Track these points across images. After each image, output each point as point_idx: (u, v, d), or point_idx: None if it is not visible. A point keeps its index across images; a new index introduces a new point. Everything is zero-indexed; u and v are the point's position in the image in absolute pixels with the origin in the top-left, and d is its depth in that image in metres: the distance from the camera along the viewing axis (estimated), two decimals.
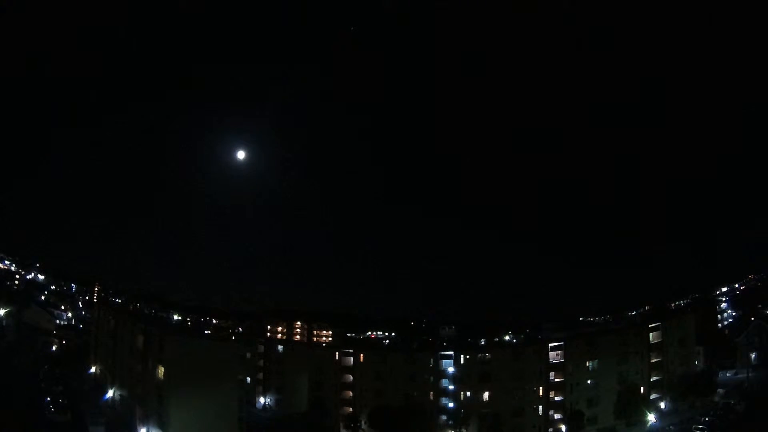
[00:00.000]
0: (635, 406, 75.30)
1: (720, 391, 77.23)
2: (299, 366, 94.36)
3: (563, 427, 77.01)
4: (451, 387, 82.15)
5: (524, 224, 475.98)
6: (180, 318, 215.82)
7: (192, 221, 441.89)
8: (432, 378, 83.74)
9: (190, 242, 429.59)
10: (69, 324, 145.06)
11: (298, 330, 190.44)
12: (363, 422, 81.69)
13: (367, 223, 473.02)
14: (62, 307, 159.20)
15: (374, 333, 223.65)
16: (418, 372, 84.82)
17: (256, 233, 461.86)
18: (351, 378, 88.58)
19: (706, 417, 65.59)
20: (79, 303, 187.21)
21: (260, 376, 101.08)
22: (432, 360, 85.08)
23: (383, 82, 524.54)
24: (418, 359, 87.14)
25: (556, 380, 79.42)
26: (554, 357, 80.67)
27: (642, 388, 79.35)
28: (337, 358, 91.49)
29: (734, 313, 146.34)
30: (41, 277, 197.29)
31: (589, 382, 79.22)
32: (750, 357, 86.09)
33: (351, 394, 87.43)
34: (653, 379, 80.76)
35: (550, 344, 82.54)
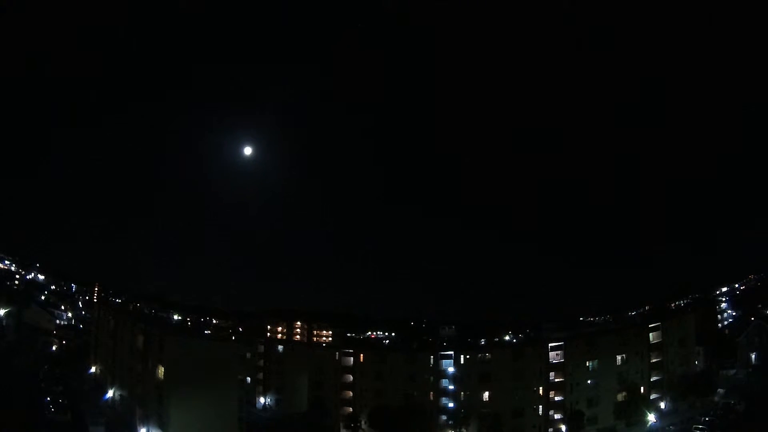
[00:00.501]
0: (635, 406, 75.30)
1: (720, 391, 77.15)
2: (299, 366, 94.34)
3: (563, 427, 76.98)
4: (451, 387, 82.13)
5: (524, 224, 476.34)
6: (180, 318, 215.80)
7: (192, 221, 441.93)
8: (432, 378, 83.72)
9: (191, 242, 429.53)
10: (69, 324, 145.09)
11: (298, 330, 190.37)
12: (363, 422, 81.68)
13: (367, 223, 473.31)
14: (62, 307, 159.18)
15: (374, 333, 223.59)
16: (418, 372, 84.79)
17: (256, 233, 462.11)
18: (351, 378, 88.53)
19: (706, 417, 65.57)
20: (79, 303, 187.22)
21: (260, 376, 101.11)
22: (432, 360, 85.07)
23: (384, 82, 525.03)
24: (418, 359, 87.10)
25: (556, 380, 79.36)
26: (554, 357, 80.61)
27: (642, 388, 79.33)
28: (337, 358, 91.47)
29: (734, 313, 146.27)
30: (41, 277, 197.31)
31: (589, 382, 79.16)
32: (750, 357, 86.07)
33: (351, 394, 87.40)
34: (653, 379, 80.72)
35: (550, 344, 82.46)
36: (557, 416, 78.33)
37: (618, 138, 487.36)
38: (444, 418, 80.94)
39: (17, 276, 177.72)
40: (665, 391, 79.96)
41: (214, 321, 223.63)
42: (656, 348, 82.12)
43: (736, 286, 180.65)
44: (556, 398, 78.77)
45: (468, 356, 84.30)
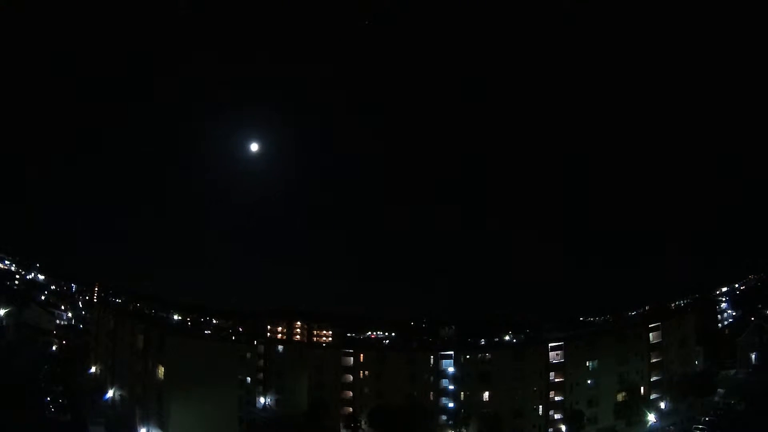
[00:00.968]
0: (635, 406, 75.28)
1: (720, 391, 77.17)
2: (299, 366, 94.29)
3: (563, 427, 76.96)
4: (451, 387, 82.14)
5: (524, 224, 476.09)
6: (180, 318, 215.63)
7: (192, 221, 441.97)
8: (432, 378, 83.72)
9: (191, 242, 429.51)
10: (69, 324, 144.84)
11: (298, 330, 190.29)
12: (363, 422, 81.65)
13: (367, 223, 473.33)
14: (62, 307, 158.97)
15: (374, 333, 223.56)
16: (418, 372, 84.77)
17: (256, 234, 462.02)
18: (351, 378, 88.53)
19: (706, 417, 65.61)
20: (79, 303, 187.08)
21: (260, 376, 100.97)
22: (432, 360, 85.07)
23: (391, 83, 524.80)
24: (418, 359, 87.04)
25: (556, 380, 79.40)
26: (554, 357, 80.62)
27: (642, 388, 79.33)
28: (337, 358, 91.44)
29: (734, 313, 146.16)
30: (41, 277, 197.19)
31: (589, 382, 79.19)
32: (750, 357, 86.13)
33: (351, 394, 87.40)
34: (653, 379, 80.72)
35: (550, 344, 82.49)
36: (557, 416, 78.32)
37: (618, 138, 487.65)
38: (444, 418, 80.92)
39: (17, 276, 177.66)
40: (665, 391, 79.96)
41: (214, 321, 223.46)
42: (656, 348, 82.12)
43: (736, 286, 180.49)
44: (556, 398, 78.77)
45: (468, 356, 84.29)
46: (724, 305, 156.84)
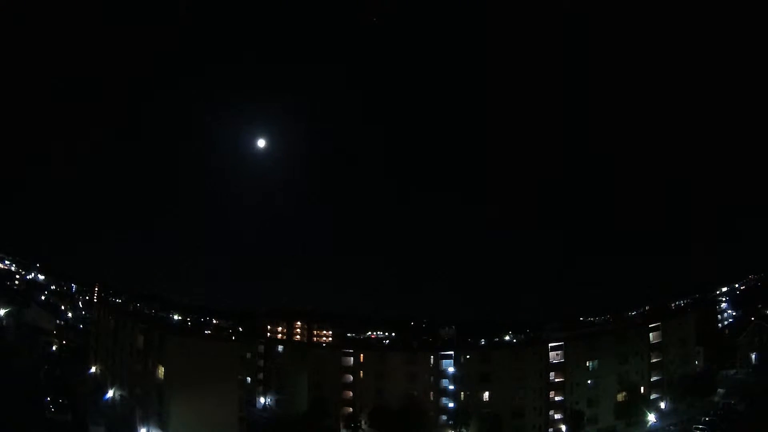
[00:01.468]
0: (635, 406, 75.28)
1: (720, 391, 77.19)
2: (299, 366, 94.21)
3: (563, 427, 76.98)
4: (451, 387, 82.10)
5: (524, 224, 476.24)
6: (180, 318, 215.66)
7: (192, 221, 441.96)
8: (432, 378, 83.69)
9: (191, 242, 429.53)
10: (69, 324, 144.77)
11: (298, 330, 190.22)
12: (363, 422, 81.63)
13: (367, 222, 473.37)
14: (62, 307, 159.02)
15: (374, 333, 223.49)
16: (418, 372, 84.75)
17: (256, 234, 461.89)
18: (351, 378, 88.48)
19: (706, 417, 65.59)
20: (79, 303, 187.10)
21: (260, 376, 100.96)
22: (432, 360, 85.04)
23: (397, 81, 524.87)
24: (418, 359, 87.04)
25: (556, 380, 79.40)
26: (554, 357, 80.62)
27: (642, 388, 79.33)
28: (337, 358, 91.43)
29: (734, 313, 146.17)
30: (41, 277, 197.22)
31: (589, 382, 79.18)
32: (750, 357, 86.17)
33: (351, 394, 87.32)
34: (653, 379, 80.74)
35: (550, 344, 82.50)
36: (557, 416, 78.33)
37: (618, 138, 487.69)
38: (444, 418, 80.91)
39: (17, 276, 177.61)
40: (665, 391, 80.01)
41: (214, 321, 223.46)
42: (656, 348, 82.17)
43: (736, 286, 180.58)
44: (556, 398, 78.78)
45: (468, 356, 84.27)
46: (724, 305, 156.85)
